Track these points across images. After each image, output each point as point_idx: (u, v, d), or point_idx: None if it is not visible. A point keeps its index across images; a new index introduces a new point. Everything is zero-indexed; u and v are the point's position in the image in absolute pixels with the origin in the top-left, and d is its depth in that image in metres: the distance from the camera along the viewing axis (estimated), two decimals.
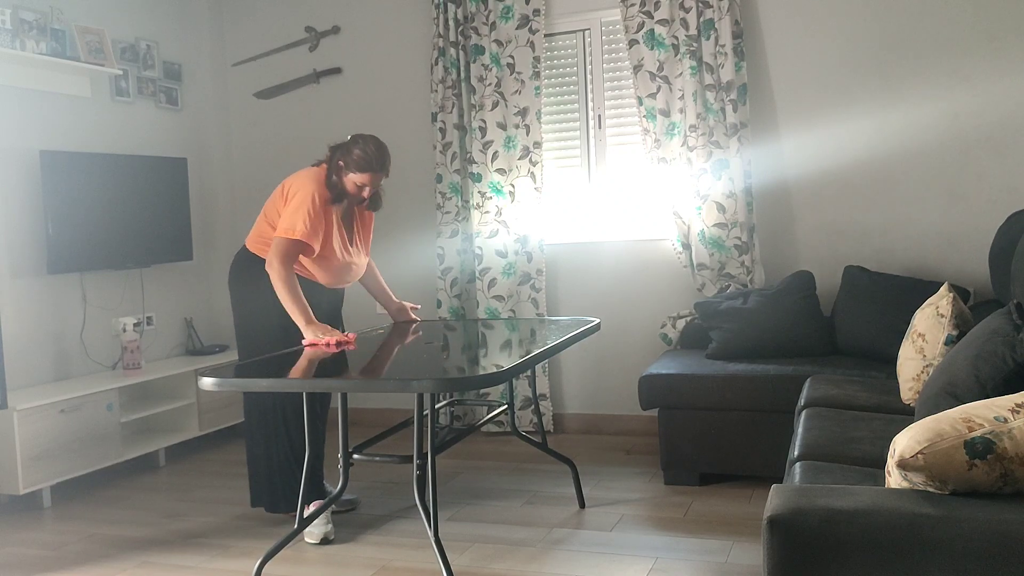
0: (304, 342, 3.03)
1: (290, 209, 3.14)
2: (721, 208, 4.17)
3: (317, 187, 3.17)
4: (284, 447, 3.32)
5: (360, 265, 3.45)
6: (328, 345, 2.99)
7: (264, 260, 3.19)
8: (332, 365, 2.79)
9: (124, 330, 4.51)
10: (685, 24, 4.17)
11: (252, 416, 3.37)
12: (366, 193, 3.25)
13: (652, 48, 4.23)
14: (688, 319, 4.25)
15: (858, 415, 2.74)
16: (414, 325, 3.60)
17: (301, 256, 3.21)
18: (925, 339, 2.71)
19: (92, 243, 4.25)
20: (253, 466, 3.39)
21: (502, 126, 4.52)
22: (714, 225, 4.18)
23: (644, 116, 4.27)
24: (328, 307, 3.47)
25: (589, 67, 4.55)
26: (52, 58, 4.11)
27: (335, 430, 4.59)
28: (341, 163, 3.19)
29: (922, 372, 2.70)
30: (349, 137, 3.28)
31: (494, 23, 4.50)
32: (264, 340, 3.26)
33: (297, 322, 3.06)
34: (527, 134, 4.49)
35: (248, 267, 3.32)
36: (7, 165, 4.04)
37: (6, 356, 3.94)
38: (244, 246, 3.39)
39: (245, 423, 3.41)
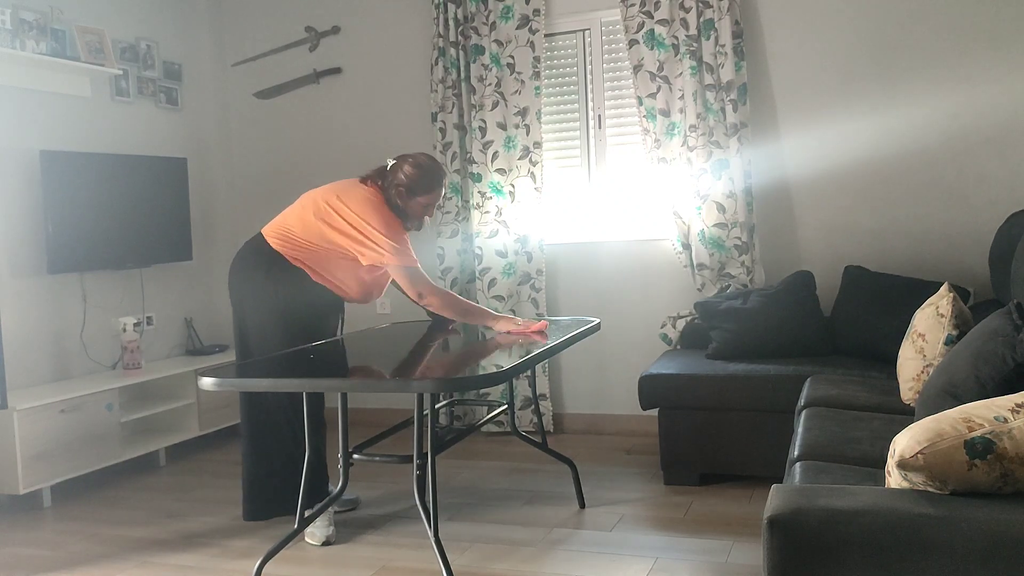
0: (503, 331, 3.16)
1: (389, 236, 3.10)
2: (721, 208, 4.17)
3: (387, 211, 3.16)
4: (287, 452, 3.28)
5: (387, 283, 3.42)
6: (528, 329, 3.14)
7: (286, 259, 3.16)
8: (331, 365, 2.79)
9: (124, 330, 4.51)
10: (685, 24, 4.17)
11: (255, 423, 3.30)
12: (431, 212, 3.26)
13: (652, 48, 4.23)
14: (688, 319, 4.25)
15: (858, 415, 2.74)
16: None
17: (337, 269, 3.20)
18: (925, 339, 2.71)
19: (92, 243, 4.25)
20: (252, 477, 3.31)
21: (502, 126, 4.52)
22: (714, 225, 4.18)
23: (644, 116, 4.27)
24: (335, 320, 3.41)
25: (589, 67, 4.55)
26: (52, 58, 4.11)
27: (335, 430, 4.60)
28: (402, 189, 3.16)
29: (922, 372, 2.70)
30: (392, 161, 3.24)
31: (494, 23, 4.50)
32: (284, 336, 3.17)
33: (487, 324, 3.20)
34: (527, 134, 4.49)
35: (276, 263, 3.18)
36: (7, 165, 4.04)
37: (6, 356, 3.94)
38: (264, 240, 3.23)
39: (244, 432, 3.32)
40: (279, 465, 3.30)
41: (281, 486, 3.31)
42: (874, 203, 4.12)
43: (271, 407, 3.28)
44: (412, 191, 3.17)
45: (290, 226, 3.22)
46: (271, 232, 3.25)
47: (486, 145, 4.54)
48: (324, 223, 3.15)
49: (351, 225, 3.12)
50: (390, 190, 3.19)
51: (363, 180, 3.26)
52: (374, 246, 3.12)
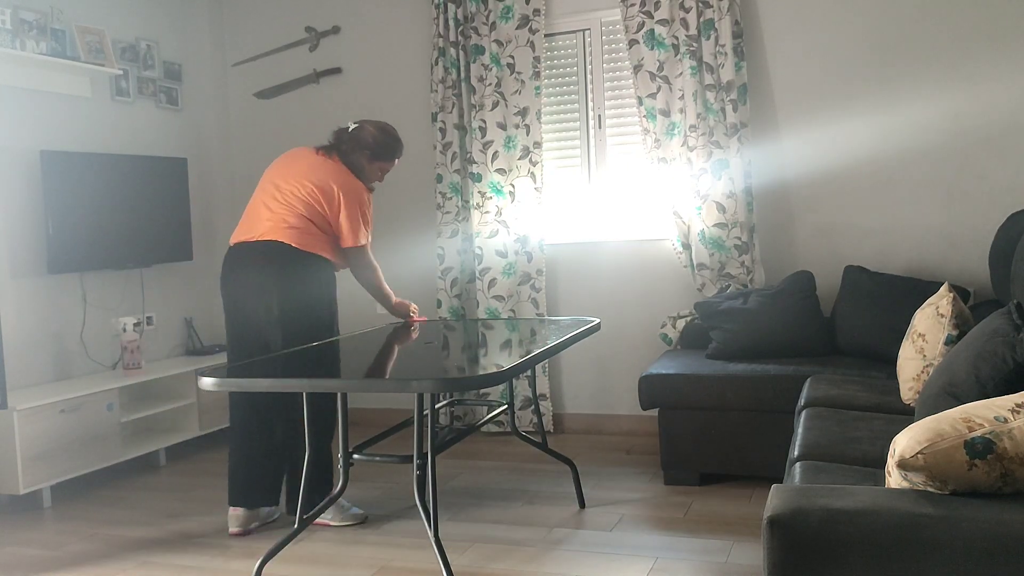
0: (416, 318, 3.62)
1: (356, 216, 3.25)
2: (721, 208, 4.17)
3: (361, 185, 3.29)
4: (264, 443, 3.30)
5: None
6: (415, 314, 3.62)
7: (312, 254, 3.22)
8: (331, 365, 2.79)
9: (124, 330, 4.51)
10: (685, 24, 4.17)
11: (236, 415, 3.34)
12: (381, 179, 3.41)
13: (652, 48, 4.23)
14: (688, 319, 4.25)
15: (858, 415, 2.74)
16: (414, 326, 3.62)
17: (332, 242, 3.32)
18: (925, 339, 2.71)
19: (92, 243, 4.25)
20: (233, 464, 3.34)
21: (502, 126, 4.52)
22: (714, 225, 4.18)
23: (644, 116, 4.27)
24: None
25: (589, 67, 4.55)
26: (52, 58, 4.11)
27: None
28: (368, 152, 3.29)
29: (922, 372, 2.70)
30: (353, 125, 3.34)
31: (494, 23, 4.50)
32: (312, 332, 3.25)
33: (392, 303, 3.51)
34: (527, 134, 4.49)
35: (306, 263, 3.22)
36: (7, 165, 4.04)
37: (6, 356, 3.94)
38: (286, 243, 3.19)
39: (230, 424, 3.38)
40: (260, 456, 3.30)
41: (261, 476, 3.31)
42: (874, 203, 4.12)
43: (260, 406, 3.29)
44: (377, 155, 3.31)
45: (307, 226, 3.23)
46: (301, 239, 3.21)
47: (486, 145, 4.54)
48: (322, 207, 3.23)
49: (349, 208, 3.25)
50: (352, 154, 3.30)
51: (321, 151, 3.33)
52: (360, 227, 3.29)
